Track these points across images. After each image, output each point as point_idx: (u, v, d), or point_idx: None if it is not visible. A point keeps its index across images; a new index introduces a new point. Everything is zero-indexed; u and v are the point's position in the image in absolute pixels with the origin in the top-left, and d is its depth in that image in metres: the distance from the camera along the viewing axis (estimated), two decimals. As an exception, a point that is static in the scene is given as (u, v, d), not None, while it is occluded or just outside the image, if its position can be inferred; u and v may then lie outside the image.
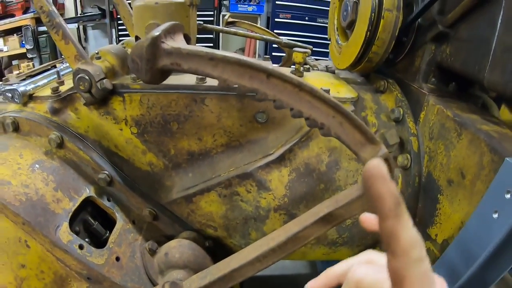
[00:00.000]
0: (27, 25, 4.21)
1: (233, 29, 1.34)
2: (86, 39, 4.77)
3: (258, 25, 1.46)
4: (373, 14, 0.80)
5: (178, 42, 0.48)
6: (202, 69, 0.45)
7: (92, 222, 0.77)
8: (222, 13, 4.12)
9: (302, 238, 0.47)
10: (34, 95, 0.79)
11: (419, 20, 0.85)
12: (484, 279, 0.57)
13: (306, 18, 4.06)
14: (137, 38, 0.82)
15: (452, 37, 0.78)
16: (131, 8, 0.86)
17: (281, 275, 1.64)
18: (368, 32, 0.82)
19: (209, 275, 0.54)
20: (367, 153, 0.41)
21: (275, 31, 3.23)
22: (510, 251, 0.53)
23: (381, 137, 0.83)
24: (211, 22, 4.05)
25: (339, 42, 1.01)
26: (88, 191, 0.77)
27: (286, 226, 0.49)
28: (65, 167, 0.76)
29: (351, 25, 0.92)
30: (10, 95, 0.77)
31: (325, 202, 0.45)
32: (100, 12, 4.40)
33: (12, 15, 4.44)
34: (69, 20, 4.25)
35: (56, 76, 0.84)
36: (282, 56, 1.36)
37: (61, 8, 4.54)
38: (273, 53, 3.78)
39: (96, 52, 0.79)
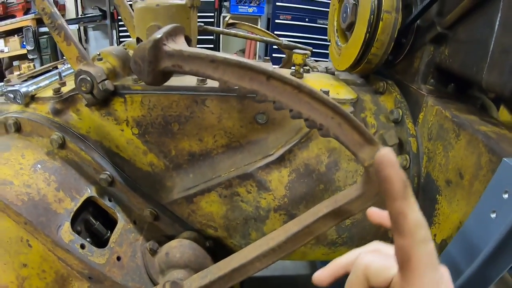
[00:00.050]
0: (28, 26, 4.22)
1: (233, 31, 1.34)
2: (87, 40, 4.78)
3: (259, 27, 1.47)
4: (372, 16, 0.81)
5: (179, 44, 0.48)
6: (203, 71, 0.45)
7: (93, 222, 0.77)
8: (222, 14, 4.13)
9: (302, 237, 0.47)
10: (36, 96, 0.80)
11: (417, 21, 0.86)
12: (483, 279, 0.57)
13: (306, 19, 4.06)
14: (138, 39, 0.83)
15: (451, 39, 0.78)
16: (132, 9, 0.87)
17: (281, 275, 1.65)
18: (367, 34, 0.83)
19: (209, 275, 0.54)
20: (366, 153, 0.41)
21: (275, 32, 3.23)
22: (508, 250, 0.54)
23: (380, 138, 0.83)
24: (211, 24, 4.06)
25: (339, 44, 1.02)
26: (90, 191, 0.78)
27: (286, 226, 0.49)
28: (66, 167, 0.77)
29: (351, 26, 0.93)
30: (12, 95, 0.78)
31: (325, 202, 0.46)
32: (101, 13, 4.41)
33: (13, 16, 4.45)
34: (70, 21, 4.26)
35: (57, 77, 0.84)
36: (282, 57, 1.37)
37: (62, 9, 4.56)
38: (273, 55, 3.79)
39: (98, 53, 0.79)
